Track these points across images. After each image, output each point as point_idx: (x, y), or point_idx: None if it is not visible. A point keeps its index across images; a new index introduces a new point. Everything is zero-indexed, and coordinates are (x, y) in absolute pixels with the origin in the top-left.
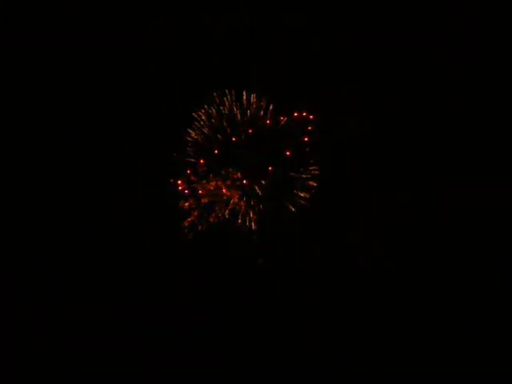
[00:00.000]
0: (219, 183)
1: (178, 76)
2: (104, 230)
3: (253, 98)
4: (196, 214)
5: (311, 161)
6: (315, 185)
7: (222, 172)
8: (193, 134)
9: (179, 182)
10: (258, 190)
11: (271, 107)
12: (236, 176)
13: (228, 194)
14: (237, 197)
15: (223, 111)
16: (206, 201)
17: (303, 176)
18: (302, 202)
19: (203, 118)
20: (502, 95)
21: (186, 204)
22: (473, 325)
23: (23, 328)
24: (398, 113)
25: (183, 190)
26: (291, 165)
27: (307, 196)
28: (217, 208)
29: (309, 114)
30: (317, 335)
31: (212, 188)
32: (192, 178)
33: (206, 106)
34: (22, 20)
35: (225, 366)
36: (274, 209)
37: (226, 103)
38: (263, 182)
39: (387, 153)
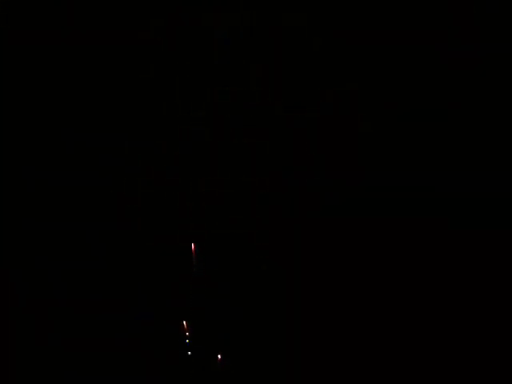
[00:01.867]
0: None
1: (177, 76)
2: (104, 230)
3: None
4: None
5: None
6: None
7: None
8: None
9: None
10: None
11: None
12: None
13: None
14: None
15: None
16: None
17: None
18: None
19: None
20: (502, 95)
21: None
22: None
23: (23, 328)
24: (398, 113)
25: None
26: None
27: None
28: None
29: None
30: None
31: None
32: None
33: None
34: (22, 20)
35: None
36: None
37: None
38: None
39: (388, 154)
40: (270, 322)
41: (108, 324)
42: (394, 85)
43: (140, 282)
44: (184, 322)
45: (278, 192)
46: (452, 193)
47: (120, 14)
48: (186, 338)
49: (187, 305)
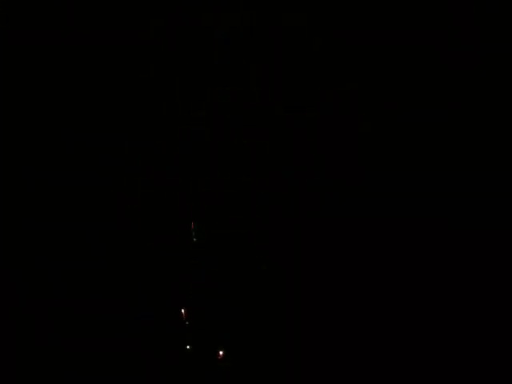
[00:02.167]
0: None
1: (177, 76)
2: (104, 230)
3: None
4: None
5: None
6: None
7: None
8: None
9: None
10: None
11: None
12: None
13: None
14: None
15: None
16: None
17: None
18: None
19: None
20: (502, 95)
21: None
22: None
23: (23, 328)
24: (398, 113)
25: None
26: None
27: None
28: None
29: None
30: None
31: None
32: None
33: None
34: (22, 20)
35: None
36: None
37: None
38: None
39: (388, 155)
40: (270, 322)
41: (108, 324)
42: (394, 85)
43: (140, 282)
44: (183, 311)
45: (277, 192)
46: (452, 193)
47: (120, 14)
48: (186, 337)
49: (187, 304)
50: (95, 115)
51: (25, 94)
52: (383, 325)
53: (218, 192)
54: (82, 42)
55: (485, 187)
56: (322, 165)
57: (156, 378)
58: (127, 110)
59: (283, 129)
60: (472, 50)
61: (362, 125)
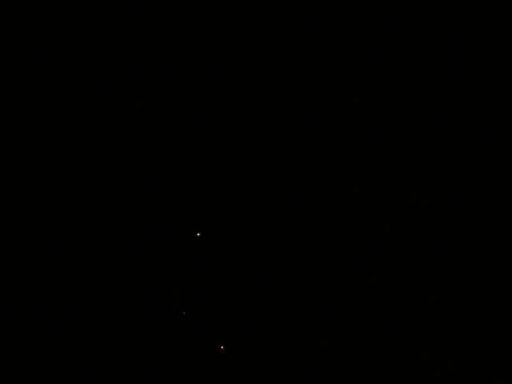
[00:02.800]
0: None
1: (177, 76)
2: (104, 230)
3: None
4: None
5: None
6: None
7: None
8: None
9: None
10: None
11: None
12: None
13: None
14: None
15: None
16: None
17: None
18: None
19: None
20: (502, 95)
21: None
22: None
23: (23, 328)
24: (398, 113)
25: None
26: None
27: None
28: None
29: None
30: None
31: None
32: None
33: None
34: (22, 20)
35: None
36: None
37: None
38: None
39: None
40: (269, 322)
41: (109, 324)
42: (394, 85)
43: (140, 281)
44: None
45: (277, 192)
46: (452, 193)
47: (120, 14)
48: (186, 337)
49: (187, 304)
50: (95, 115)
51: (25, 94)
52: (383, 324)
53: (217, 191)
54: (83, 42)
55: (484, 187)
56: (321, 165)
57: (156, 378)
58: (127, 110)
59: (283, 129)
60: (472, 49)
61: (362, 125)
